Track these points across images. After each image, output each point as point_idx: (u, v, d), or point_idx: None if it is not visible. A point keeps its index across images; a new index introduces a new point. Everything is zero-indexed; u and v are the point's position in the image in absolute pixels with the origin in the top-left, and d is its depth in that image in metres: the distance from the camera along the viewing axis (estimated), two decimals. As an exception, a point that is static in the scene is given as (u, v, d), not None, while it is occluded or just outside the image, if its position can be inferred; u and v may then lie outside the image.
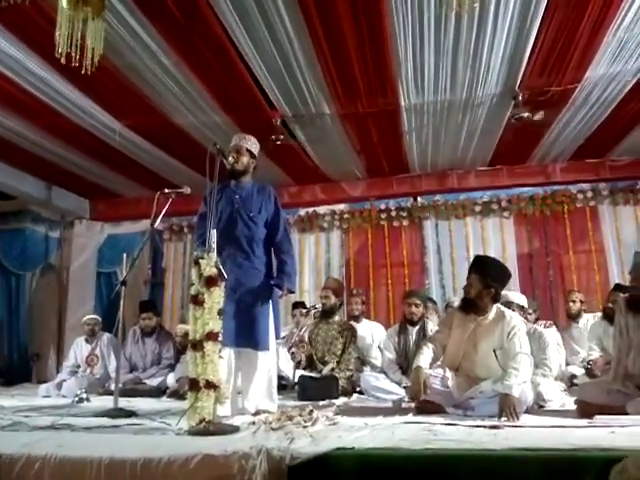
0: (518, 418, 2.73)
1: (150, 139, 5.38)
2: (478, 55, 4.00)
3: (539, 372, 3.67)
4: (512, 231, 6.38)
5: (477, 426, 2.52)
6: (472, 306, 3.21)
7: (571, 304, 5.16)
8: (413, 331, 4.34)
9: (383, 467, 1.97)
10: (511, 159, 6.13)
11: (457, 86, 4.44)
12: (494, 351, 3.11)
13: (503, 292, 3.97)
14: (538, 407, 3.32)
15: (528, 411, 3.01)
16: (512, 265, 6.18)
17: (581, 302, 5.17)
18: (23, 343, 7.29)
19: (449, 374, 3.19)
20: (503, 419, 2.71)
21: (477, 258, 3.42)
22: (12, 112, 4.71)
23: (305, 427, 2.55)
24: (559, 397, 3.58)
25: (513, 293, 4.32)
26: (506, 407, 2.75)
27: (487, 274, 3.19)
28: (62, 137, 5.26)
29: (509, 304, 3.83)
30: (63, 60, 2.83)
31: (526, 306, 4.15)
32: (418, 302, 4.40)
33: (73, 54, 2.84)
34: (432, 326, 4.29)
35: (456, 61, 4.07)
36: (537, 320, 4.87)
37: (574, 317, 5.14)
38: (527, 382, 3.01)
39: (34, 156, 5.64)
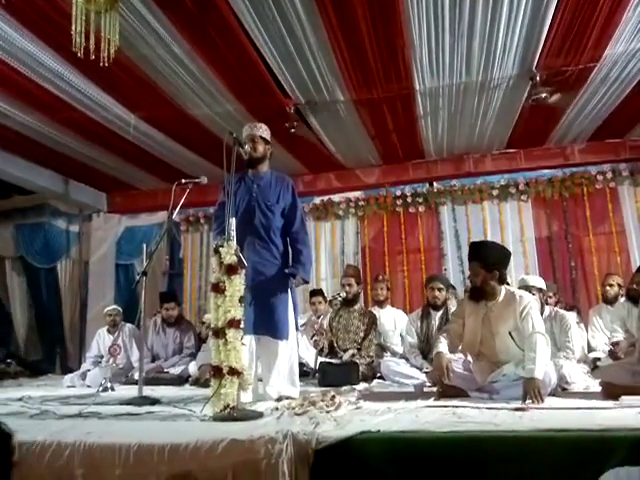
0: (543, 400, 2.71)
1: (165, 131, 5.41)
2: (494, 36, 3.94)
3: (562, 355, 3.65)
4: (530, 215, 6.30)
5: (501, 409, 2.51)
6: (481, 293, 3.19)
7: (608, 288, 4.99)
8: (436, 316, 4.33)
9: (409, 450, 1.98)
10: (528, 141, 6.04)
11: (473, 68, 4.38)
12: (510, 333, 3.09)
13: (523, 276, 3.94)
14: (562, 390, 3.30)
15: (552, 393, 2.99)
16: (531, 249, 6.16)
17: (619, 286, 4.98)
18: (47, 335, 7.42)
19: (470, 358, 3.18)
20: (528, 401, 2.69)
21: (472, 245, 3.38)
22: (29, 107, 4.75)
23: (329, 412, 2.56)
24: (583, 379, 3.55)
25: (531, 276, 4.28)
26: (530, 389, 2.73)
27: (486, 258, 3.16)
28: (78, 131, 5.30)
29: (528, 288, 3.80)
30: (80, 54, 2.84)
31: (545, 289, 4.10)
32: (441, 286, 4.38)
33: (90, 47, 2.85)
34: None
35: (472, 43, 4.02)
36: (557, 303, 4.83)
37: (611, 301, 4.98)
38: (549, 363, 2.99)
39: (51, 150, 5.70)
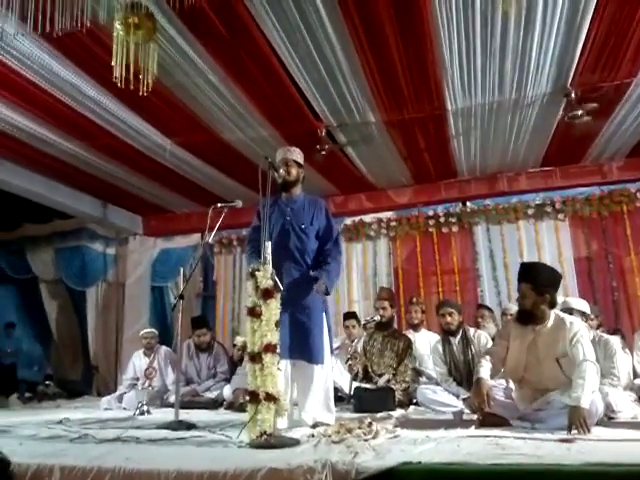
0: (589, 431, 2.60)
1: (199, 155, 5.51)
2: (527, 54, 3.89)
3: (607, 381, 3.50)
4: (568, 234, 6.13)
5: (546, 440, 2.41)
6: (530, 317, 3.09)
7: None
8: (455, 341, 4.22)
9: (452, 482, 1.92)
10: (564, 159, 5.91)
11: (505, 87, 4.34)
12: (557, 360, 2.98)
13: (565, 299, 3.82)
14: (608, 419, 3.16)
15: (598, 423, 2.87)
16: (570, 270, 5.97)
17: None
18: (84, 357, 7.56)
19: (512, 385, 3.08)
20: (574, 432, 2.58)
21: (523, 266, 3.28)
22: (70, 135, 4.92)
23: (366, 440, 2.51)
24: (630, 408, 3.40)
25: (573, 299, 4.15)
26: (576, 419, 2.62)
27: (537, 281, 3.07)
28: (116, 157, 5.46)
29: (570, 310, 3.68)
30: (120, 84, 2.93)
31: (588, 312, 3.97)
32: (452, 310, 4.29)
33: (129, 77, 2.94)
34: (484, 334, 4.17)
35: (504, 62, 3.98)
36: (599, 326, 4.65)
37: None
38: (596, 392, 2.87)
39: (91, 176, 5.87)
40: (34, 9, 2.89)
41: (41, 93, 4.16)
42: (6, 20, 3.21)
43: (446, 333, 4.28)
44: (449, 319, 4.23)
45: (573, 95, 4.38)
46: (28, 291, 8.20)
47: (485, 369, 3.09)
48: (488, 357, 3.19)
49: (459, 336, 4.22)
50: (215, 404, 4.95)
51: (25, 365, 7.72)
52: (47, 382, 7.30)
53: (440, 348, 4.24)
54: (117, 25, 2.91)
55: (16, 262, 7.96)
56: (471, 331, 4.23)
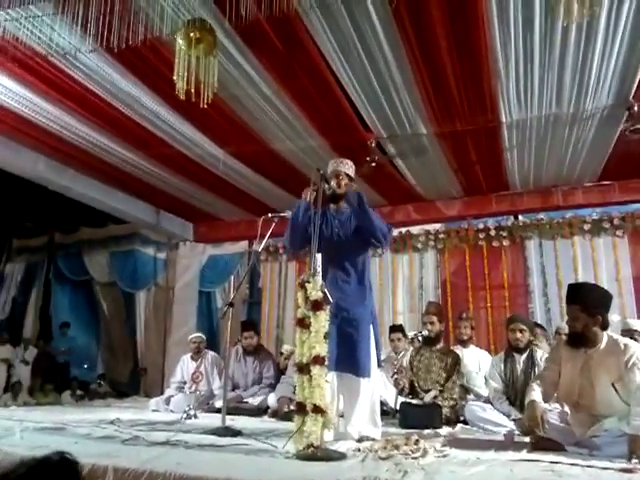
0: (652, 461, 2.46)
1: (250, 165, 5.61)
2: (587, 66, 3.78)
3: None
4: (627, 251, 5.87)
5: (606, 468, 2.30)
6: (581, 340, 2.95)
7: None
8: (520, 359, 4.06)
9: (505, 509, 1.86)
10: (624, 173, 5.68)
11: (563, 100, 4.23)
12: (613, 385, 2.84)
13: (625, 319, 3.66)
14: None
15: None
16: (628, 288, 5.72)
17: None
18: (134, 358, 7.80)
19: (567, 409, 2.96)
20: (634, 461, 2.45)
21: (571, 287, 3.15)
22: (128, 144, 5.12)
23: (415, 458, 2.47)
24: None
25: (634, 320, 3.96)
26: (637, 448, 2.49)
27: (588, 302, 2.93)
28: (171, 165, 5.63)
29: (630, 332, 3.52)
30: (182, 96, 3.03)
31: (649, 333, 3.78)
32: (523, 327, 4.13)
33: (190, 90, 3.04)
34: (541, 354, 4.01)
35: (563, 74, 3.88)
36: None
37: None
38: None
39: (145, 183, 6.08)
40: (100, 24, 3.03)
41: (102, 104, 4.35)
42: (73, 35, 3.39)
43: (512, 349, 4.14)
44: (519, 335, 4.09)
45: (636, 108, 4.22)
46: (83, 292, 8.56)
47: (537, 392, 2.98)
48: (538, 381, 3.08)
49: (525, 355, 4.08)
50: (259, 411, 4.98)
51: (77, 364, 8.01)
52: (99, 381, 7.56)
53: (502, 364, 4.11)
54: (179, 40, 3.02)
55: (74, 264, 8.32)
56: (539, 353, 4.05)
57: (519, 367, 4.06)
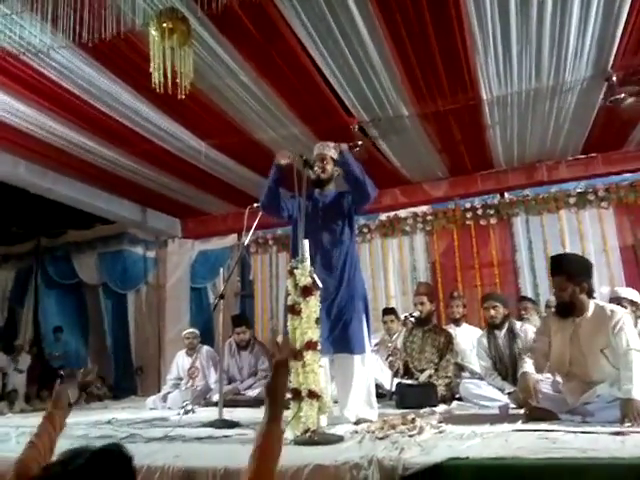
0: (644, 423, 2.50)
1: (233, 157, 5.57)
2: (564, 39, 3.78)
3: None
4: (613, 222, 5.91)
5: (599, 433, 2.33)
6: (570, 308, 2.99)
7: None
8: (501, 334, 4.14)
9: (501, 478, 1.88)
10: (606, 145, 5.71)
11: (543, 73, 4.22)
12: (602, 351, 2.88)
13: (613, 288, 3.70)
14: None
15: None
16: (615, 259, 5.78)
17: None
18: (128, 358, 7.77)
19: (559, 378, 2.99)
20: (627, 424, 2.49)
21: (554, 259, 3.20)
22: (108, 142, 5.05)
23: (411, 436, 2.49)
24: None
25: (622, 288, 4.02)
26: (629, 411, 2.53)
27: (572, 271, 2.98)
28: (153, 162, 5.57)
29: (619, 300, 3.56)
30: (159, 89, 2.98)
31: (638, 301, 3.82)
32: (496, 304, 4.21)
33: (167, 83, 3.00)
34: (532, 328, 4.06)
35: (541, 48, 3.87)
36: (650, 316, 4.48)
37: None
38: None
39: (129, 182, 6.02)
40: (72, 20, 2.97)
41: (79, 102, 4.28)
42: (45, 32, 3.33)
43: (491, 327, 4.20)
44: (493, 312, 4.16)
45: (614, 78, 4.23)
46: (73, 295, 8.49)
47: (528, 364, 3.03)
48: (529, 354, 3.13)
49: (505, 329, 4.15)
50: (257, 402, 4.98)
51: (73, 367, 7.95)
52: (95, 384, 7.52)
53: (485, 342, 4.18)
54: (152, 31, 2.97)
55: (62, 267, 8.25)
56: (517, 325, 4.14)
57: (501, 342, 4.13)
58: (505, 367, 4.06)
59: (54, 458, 1.33)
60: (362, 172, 3.42)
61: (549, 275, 5.76)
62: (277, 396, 1.46)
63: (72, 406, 1.91)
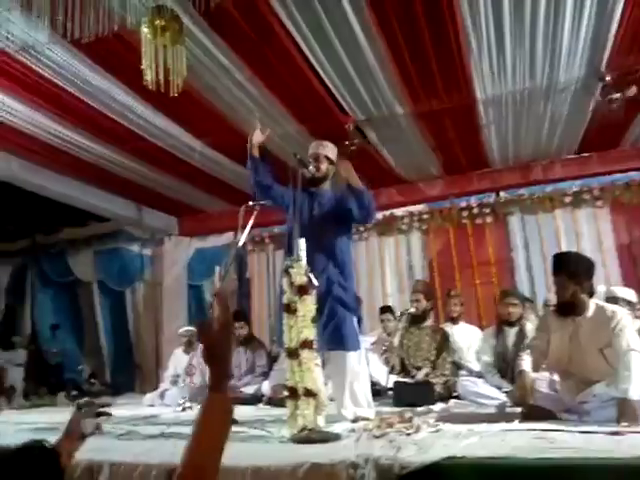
0: (640, 423, 2.51)
1: (228, 155, 5.54)
2: (558, 39, 3.78)
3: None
4: (608, 221, 5.93)
5: (596, 432, 2.34)
6: (570, 308, 2.99)
7: None
8: (511, 332, 4.11)
9: (498, 477, 1.88)
10: (602, 144, 5.72)
11: (537, 73, 4.23)
12: (601, 351, 2.88)
13: (609, 288, 3.71)
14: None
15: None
16: (611, 258, 5.80)
17: None
18: (126, 355, 7.75)
19: (556, 377, 3.00)
20: (623, 424, 2.50)
21: (557, 257, 3.18)
22: (102, 139, 5.02)
23: (408, 434, 2.49)
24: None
25: (618, 288, 4.02)
26: (625, 412, 2.54)
27: (574, 270, 2.97)
28: (148, 159, 5.55)
29: (615, 299, 3.57)
30: (152, 87, 2.97)
31: (634, 300, 3.84)
32: (516, 302, 4.18)
33: (159, 80, 2.98)
34: (530, 327, 4.06)
35: (534, 47, 3.88)
36: (645, 315, 4.50)
37: None
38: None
39: (124, 179, 5.99)
40: (63, 16, 2.95)
41: (73, 99, 4.25)
42: (37, 29, 3.30)
43: (502, 323, 4.18)
44: (512, 310, 4.14)
45: (608, 78, 4.25)
46: (69, 293, 8.46)
47: (526, 362, 3.03)
48: (527, 352, 3.12)
49: (516, 328, 4.12)
50: (254, 400, 4.99)
51: (71, 364, 7.95)
52: (92, 380, 7.52)
53: (493, 338, 4.15)
54: (144, 29, 2.95)
55: (57, 265, 8.23)
56: (528, 325, 4.12)
57: (510, 341, 4.11)
58: (508, 365, 4.04)
59: None
60: (370, 201, 3.45)
61: (546, 274, 5.84)
62: (215, 358, 1.15)
63: (86, 438, 1.83)
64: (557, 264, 3.09)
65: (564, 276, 2.98)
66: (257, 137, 3.42)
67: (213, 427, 1.09)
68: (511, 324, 4.14)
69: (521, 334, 4.07)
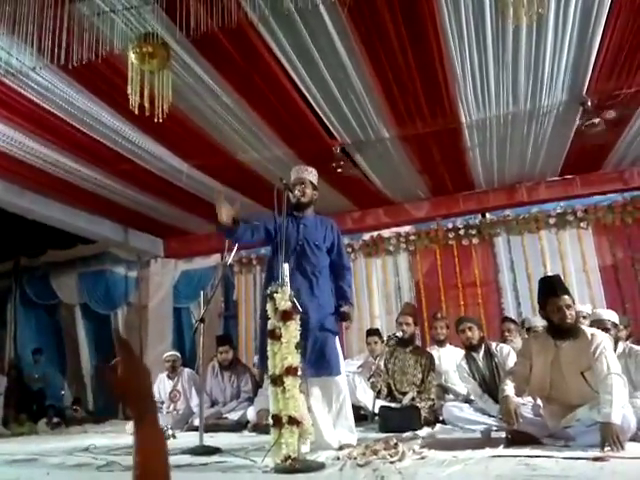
0: (623, 448, 2.50)
1: (215, 177, 5.56)
2: (540, 64, 3.88)
3: (639, 395, 3.38)
4: (592, 242, 6.01)
5: (579, 458, 2.33)
6: (571, 331, 2.94)
7: None
8: (479, 356, 4.12)
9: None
10: (584, 167, 5.83)
11: (520, 98, 4.32)
12: (582, 374, 2.89)
13: (594, 310, 3.73)
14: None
15: (633, 439, 2.76)
16: (596, 279, 5.86)
17: None
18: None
19: (540, 402, 2.99)
20: (607, 449, 2.49)
21: (558, 280, 3.17)
22: (88, 162, 5.02)
23: (392, 462, 2.46)
24: (665, 421, 3.26)
25: (603, 310, 4.04)
26: (608, 436, 2.52)
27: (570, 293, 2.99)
28: (134, 182, 5.55)
29: (601, 322, 3.58)
30: (136, 111, 2.98)
31: (618, 323, 3.85)
32: (470, 325, 4.20)
33: (145, 105, 2.99)
34: (507, 346, 4.11)
35: (517, 73, 3.97)
36: (629, 337, 4.52)
37: None
38: (627, 406, 2.77)
39: (110, 202, 5.98)
40: (51, 41, 2.96)
41: (60, 122, 4.26)
42: (25, 53, 3.31)
43: (468, 349, 4.20)
44: (469, 334, 4.15)
45: (589, 103, 4.35)
46: (52, 316, 8.34)
47: (509, 387, 3.01)
48: (510, 377, 3.11)
49: (482, 351, 4.14)
50: (239, 426, 4.91)
51: (53, 390, 7.77)
52: (75, 407, 7.36)
53: (465, 365, 4.16)
54: (131, 54, 2.98)
55: (41, 288, 8.11)
56: (493, 345, 4.15)
57: (481, 363, 4.11)
58: (489, 388, 4.04)
59: None
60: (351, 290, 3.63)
61: (532, 295, 5.85)
62: (128, 399, 1.09)
63: None
64: (561, 285, 3.08)
65: (569, 297, 2.98)
66: (227, 213, 3.39)
67: (147, 464, 1.01)
68: (475, 348, 4.16)
69: (489, 355, 4.09)
